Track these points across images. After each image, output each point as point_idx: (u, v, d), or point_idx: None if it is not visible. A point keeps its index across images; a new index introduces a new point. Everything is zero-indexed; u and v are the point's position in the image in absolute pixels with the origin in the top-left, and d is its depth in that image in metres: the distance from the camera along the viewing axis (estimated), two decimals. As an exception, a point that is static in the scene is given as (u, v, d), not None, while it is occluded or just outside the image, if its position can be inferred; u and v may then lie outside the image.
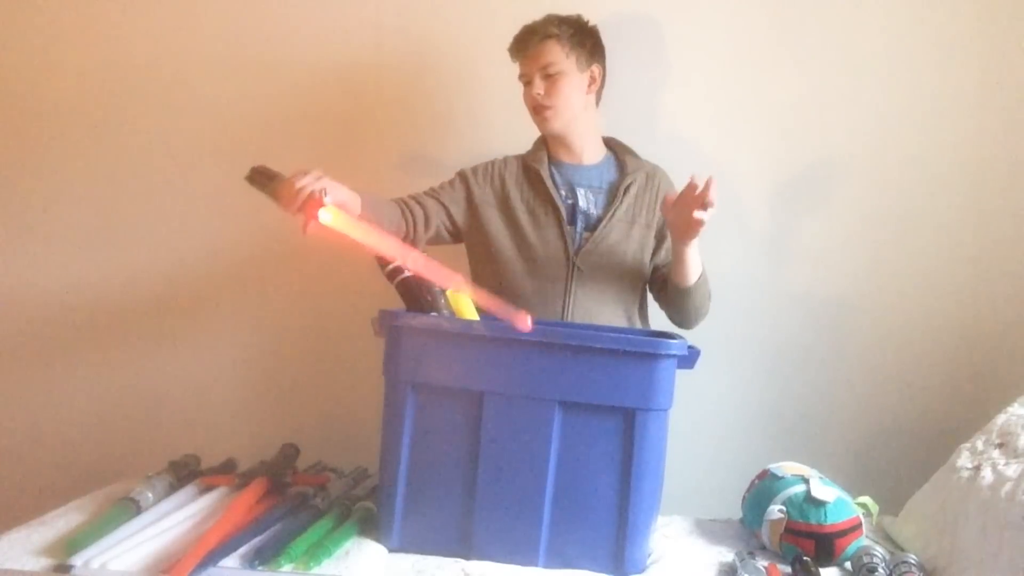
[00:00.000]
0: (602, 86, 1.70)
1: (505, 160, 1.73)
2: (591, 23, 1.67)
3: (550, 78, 1.61)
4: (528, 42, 1.63)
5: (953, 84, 1.92)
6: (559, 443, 1.26)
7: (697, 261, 1.57)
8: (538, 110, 1.64)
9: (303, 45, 2.02)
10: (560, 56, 1.61)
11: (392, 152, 2.02)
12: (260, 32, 2.02)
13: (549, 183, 1.65)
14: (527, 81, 1.65)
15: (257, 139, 2.03)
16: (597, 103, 1.72)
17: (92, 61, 2.05)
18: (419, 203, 1.64)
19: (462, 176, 1.71)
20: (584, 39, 1.64)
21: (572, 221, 1.64)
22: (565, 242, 1.62)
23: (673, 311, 1.69)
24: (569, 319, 1.61)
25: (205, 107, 2.04)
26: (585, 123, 1.68)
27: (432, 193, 1.68)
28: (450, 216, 1.67)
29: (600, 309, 1.63)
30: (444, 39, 1.99)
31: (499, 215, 1.67)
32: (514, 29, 1.66)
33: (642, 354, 1.25)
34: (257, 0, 2.03)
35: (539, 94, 1.62)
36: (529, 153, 1.72)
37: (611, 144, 1.75)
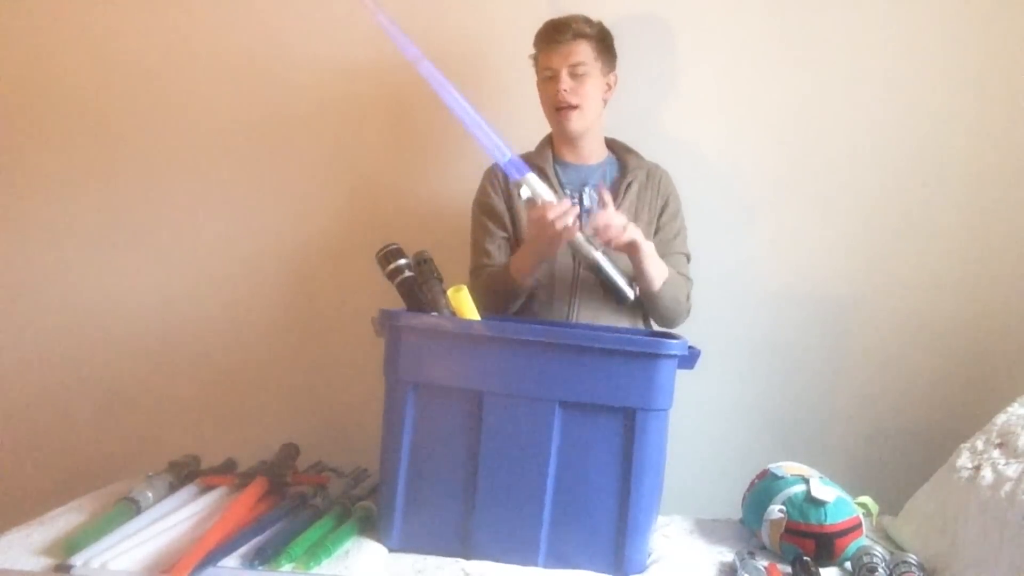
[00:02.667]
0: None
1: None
2: (606, 27, 1.66)
3: (578, 77, 1.60)
4: (561, 36, 1.59)
5: (953, 84, 1.92)
6: (559, 443, 1.26)
7: (655, 269, 1.57)
8: (562, 108, 1.62)
9: (303, 46, 2.02)
10: (590, 57, 1.61)
11: (391, 153, 2.02)
12: (260, 33, 2.01)
13: (554, 181, 1.65)
14: (551, 76, 1.62)
15: (257, 140, 2.04)
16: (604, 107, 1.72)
17: (91, 63, 2.06)
18: (498, 257, 1.65)
19: (481, 208, 1.69)
20: (609, 45, 1.65)
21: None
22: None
23: (649, 313, 1.68)
24: (575, 317, 1.61)
25: (205, 108, 2.04)
26: (598, 127, 1.69)
27: (482, 244, 1.67)
28: (510, 241, 1.67)
29: (604, 308, 1.62)
30: (444, 40, 1.99)
31: (506, 214, 1.67)
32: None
33: (642, 354, 1.25)
34: (258, 1, 2.03)
35: (566, 90, 1.60)
36: (534, 152, 1.72)
37: (611, 144, 1.75)
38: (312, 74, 2.00)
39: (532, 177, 1.48)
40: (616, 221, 1.48)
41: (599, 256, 1.49)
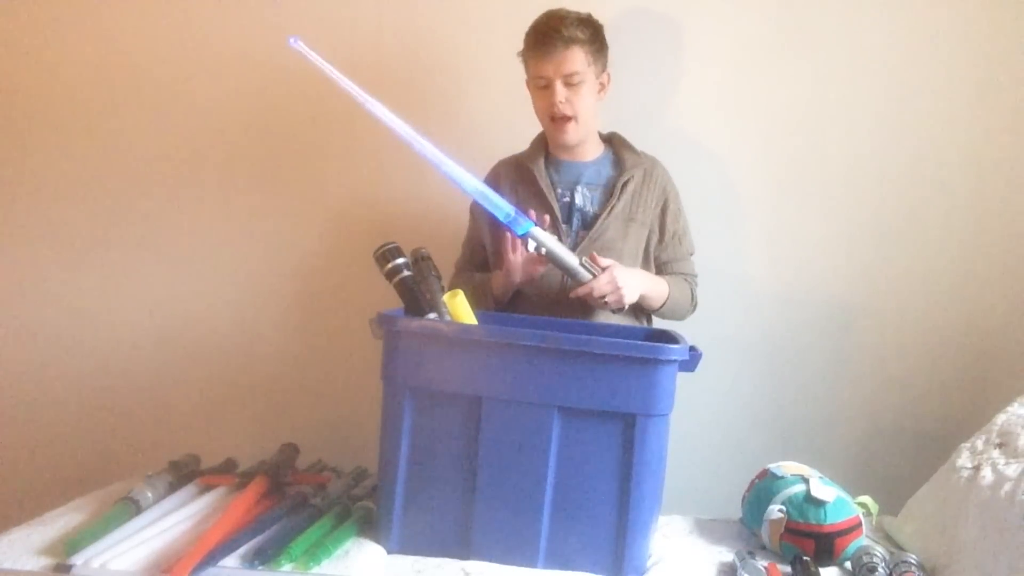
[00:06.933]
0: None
1: (501, 163, 1.73)
2: (598, 21, 1.62)
3: (573, 87, 1.56)
4: (553, 46, 1.54)
5: (954, 84, 1.92)
6: (558, 448, 1.24)
7: (655, 295, 1.61)
8: (558, 120, 1.59)
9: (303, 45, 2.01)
10: (584, 65, 1.56)
11: (391, 152, 2.01)
12: (259, 32, 2.01)
13: (544, 182, 1.63)
14: (544, 85, 1.58)
15: (255, 141, 2.04)
16: None
17: (91, 65, 2.06)
18: (473, 261, 1.74)
19: (472, 210, 1.74)
20: (601, 43, 1.60)
21: (568, 219, 1.63)
22: (560, 241, 1.61)
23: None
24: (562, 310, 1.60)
25: (204, 110, 2.04)
26: (594, 126, 1.67)
27: (468, 244, 1.77)
28: (485, 248, 1.71)
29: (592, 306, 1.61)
30: (444, 39, 1.99)
31: (489, 223, 1.66)
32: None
33: (643, 359, 1.23)
34: (257, 4, 2.02)
35: (562, 103, 1.56)
36: (526, 152, 1.71)
37: (609, 139, 1.73)
38: (311, 74, 1.99)
39: (537, 231, 1.44)
40: (610, 289, 1.49)
41: (555, 247, 1.47)
